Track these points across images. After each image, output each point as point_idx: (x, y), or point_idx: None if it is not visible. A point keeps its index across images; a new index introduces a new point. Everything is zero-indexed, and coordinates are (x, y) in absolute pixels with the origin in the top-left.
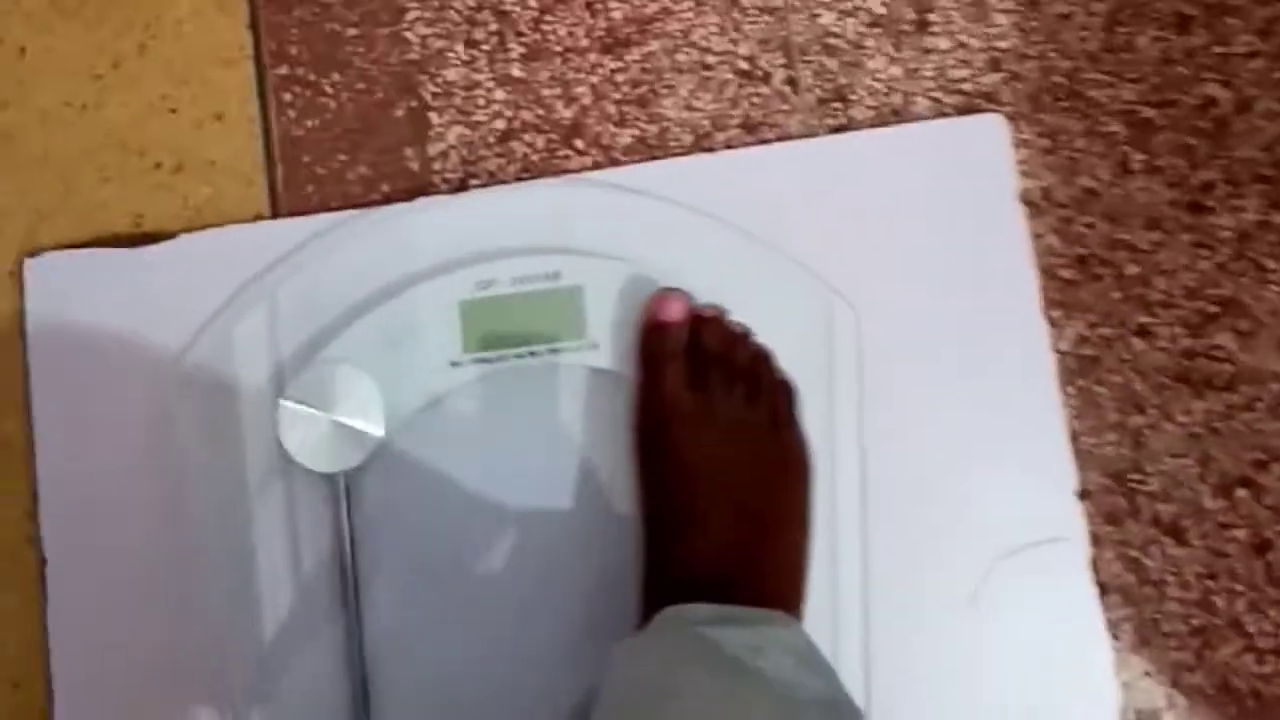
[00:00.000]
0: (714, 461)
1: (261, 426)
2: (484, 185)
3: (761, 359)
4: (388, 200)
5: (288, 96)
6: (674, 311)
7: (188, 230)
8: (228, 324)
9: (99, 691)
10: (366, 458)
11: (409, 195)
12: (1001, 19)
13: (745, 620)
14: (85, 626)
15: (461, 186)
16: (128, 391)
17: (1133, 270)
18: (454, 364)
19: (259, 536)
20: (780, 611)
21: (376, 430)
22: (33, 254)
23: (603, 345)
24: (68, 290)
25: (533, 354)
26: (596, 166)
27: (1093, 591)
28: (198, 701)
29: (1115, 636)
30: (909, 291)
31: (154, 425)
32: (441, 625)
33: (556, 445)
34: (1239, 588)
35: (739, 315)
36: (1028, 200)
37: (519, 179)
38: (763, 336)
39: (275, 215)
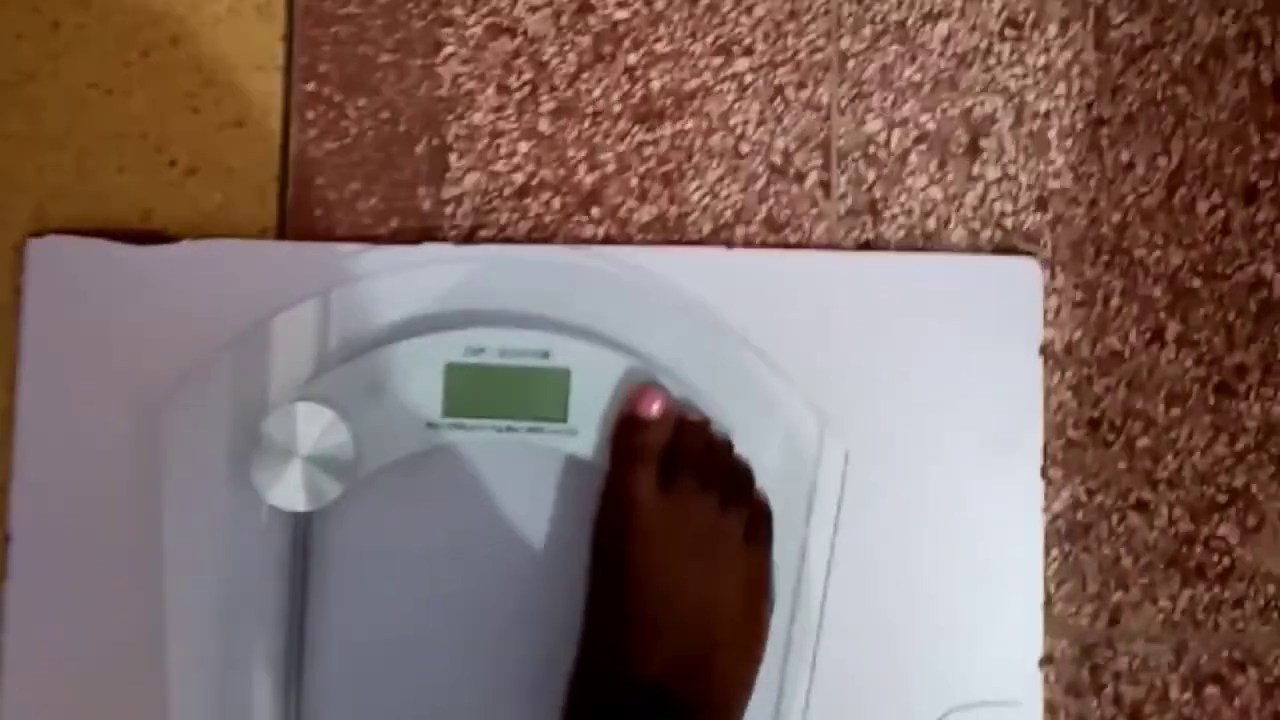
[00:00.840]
0: (673, 569)
1: (238, 450)
2: (492, 238)
3: (740, 473)
4: (394, 237)
5: (311, 115)
6: (653, 408)
7: (193, 234)
8: (220, 342)
9: (47, 676)
10: (328, 503)
11: (416, 235)
12: (1058, 157)
13: None
14: (42, 609)
15: (470, 236)
16: (116, 387)
17: (1144, 442)
18: (431, 425)
19: (222, 556)
20: None
21: (344, 479)
22: (38, 234)
23: (582, 433)
24: (70, 276)
25: (510, 429)
26: (609, 239)
27: None
28: (144, 700)
29: None
30: (905, 427)
31: (138, 425)
32: (381, 677)
33: (519, 525)
34: None
35: (725, 424)
36: (1049, 351)
37: (529, 238)
38: (745, 451)
39: (281, 233)
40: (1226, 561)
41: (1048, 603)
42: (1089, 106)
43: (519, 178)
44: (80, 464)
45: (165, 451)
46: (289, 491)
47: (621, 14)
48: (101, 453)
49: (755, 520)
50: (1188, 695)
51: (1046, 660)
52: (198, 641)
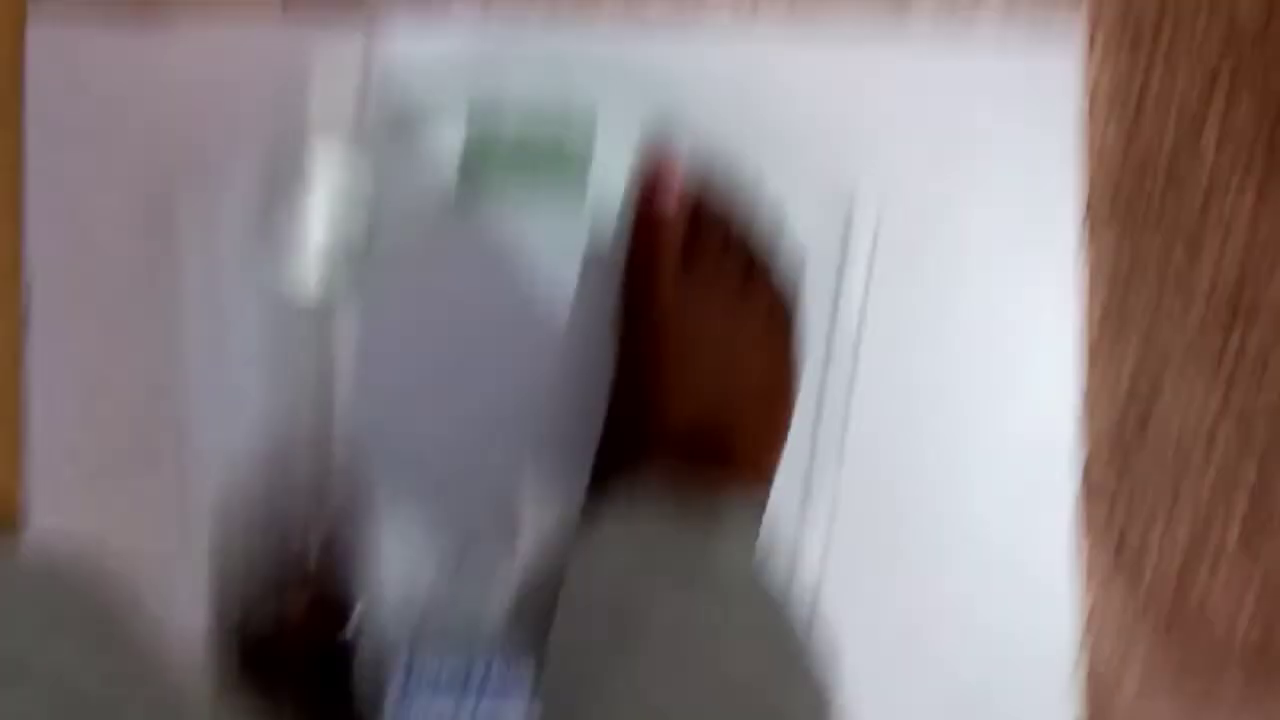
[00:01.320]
0: (699, 334)
1: (253, 230)
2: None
3: (765, 244)
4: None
5: None
6: (672, 174)
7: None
8: (228, 125)
9: (74, 429)
10: (350, 280)
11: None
12: None
13: (703, 522)
14: (64, 363)
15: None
16: (125, 171)
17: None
18: (449, 195)
19: (241, 340)
20: (742, 500)
21: (362, 256)
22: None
23: (605, 198)
24: (70, 67)
25: (530, 199)
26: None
27: (1077, 502)
28: (164, 454)
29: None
30: (940, 189)
31: (151, 198)
32: (409, 451)
33: (542, 294)
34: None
35: (753, 191)
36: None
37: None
38: (775, 212)
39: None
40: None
41: (1088, 347)
42: None
43: None
44: (92, 252)
45: (181, 232)
46: (305, 273)
47: None
48: (114, 235)
49: (784, 284)
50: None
51: (1085, 406)
52: (219, 423)
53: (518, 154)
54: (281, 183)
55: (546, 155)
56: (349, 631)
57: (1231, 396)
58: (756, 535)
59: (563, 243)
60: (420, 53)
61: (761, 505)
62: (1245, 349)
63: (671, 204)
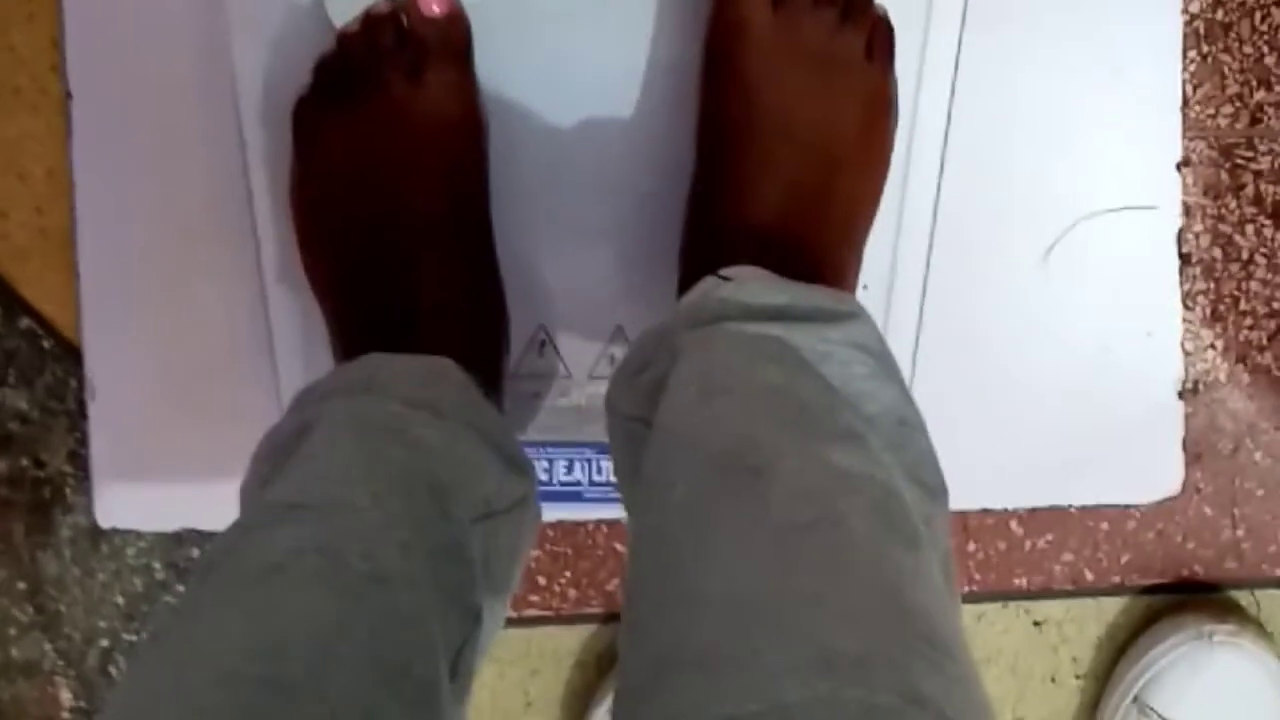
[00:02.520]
0: (788, 91)
1: None
2: None
3: None
4: None
5: None
6: None
7: None
8: None
9: (121, 224)
10: None
11: None
12: None
13: (810, 314)
14: (108, 164)
15: None
16: None
17: None
18: None
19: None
20: (849, 295)
21: None
22: None
23: None
24: None
25: None
26: None
27: (1174, 261)
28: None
29: (1189, 306)
30: None
31: None
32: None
33: (628, 50)
34: None
35: None
36: None
37: None
38: None
39: None
40: None
41: (1185, 104)
42: None
43: None
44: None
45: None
46: None
47: None
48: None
49: (875, 35)
50: None
51: (1184, 163)
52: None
53: None
54: None
55: None
56: None
57: None
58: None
59: None
60: None
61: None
62: None
63: None
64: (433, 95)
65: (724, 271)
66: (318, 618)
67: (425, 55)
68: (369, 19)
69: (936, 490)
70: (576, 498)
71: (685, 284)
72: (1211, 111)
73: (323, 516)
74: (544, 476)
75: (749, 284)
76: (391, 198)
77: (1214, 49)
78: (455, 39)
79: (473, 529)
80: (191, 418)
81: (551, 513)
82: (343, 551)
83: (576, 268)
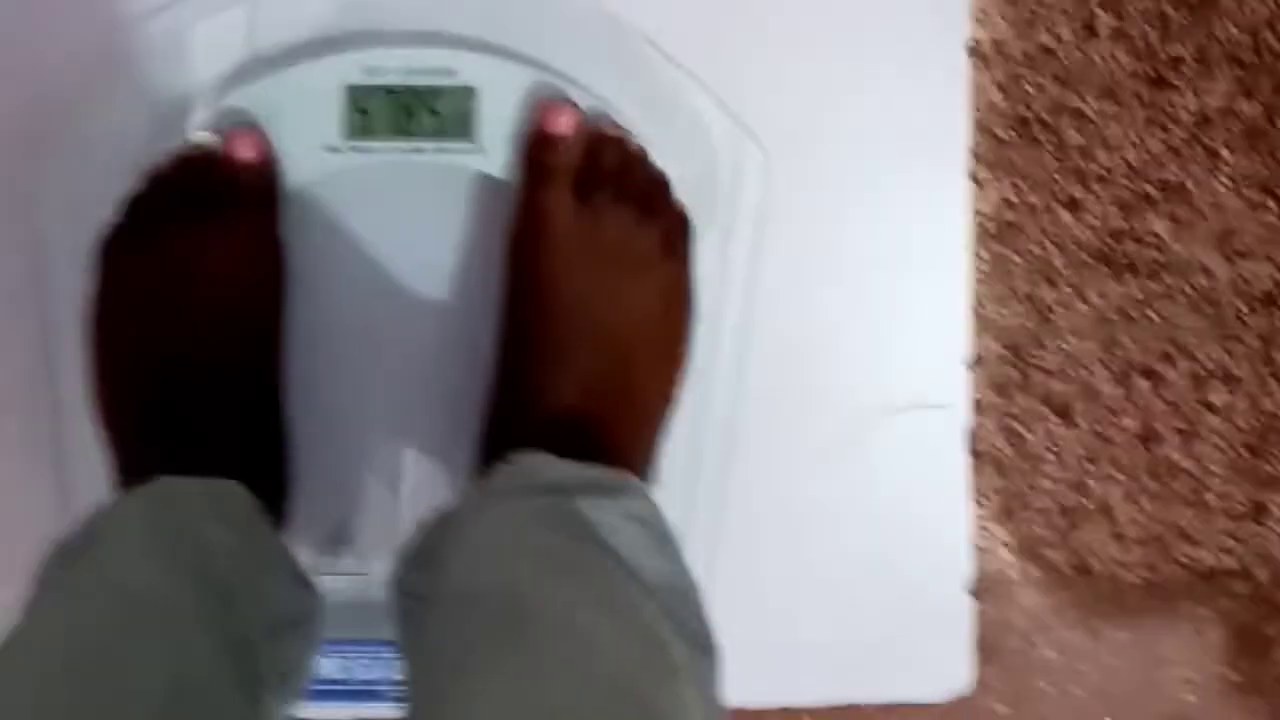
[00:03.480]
0: (589, 286)
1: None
2: None
3: (659, 184)
4: None
5: None
6: (563, 122)
7: None
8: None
9: None
10: None
11: None
12: None
13: (586, 487)
14: None
15: None
16: None
17: (1076, 140)
18: (331, 149)
19: None
20: (632, 475)
21: None
22: None
23: (491, 151)
24: None
25: (417, 150)
26: None
27: (965, 457)
28: None
29: (980, 504)
30: (827, 130)
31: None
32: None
33: (430, 249)
34: (1118, 475)
35: (639, 135)
36: (977, 50)
37: None
38: (661, 161)
39: None
40: (1158, 256)
41: (976, 304)
42: None
43: None
44: None
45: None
46: None
47: None
48: None
49: (674, 230)
50: (1118, 390)
51: (975, 361)
52: None
53: (402, 102)
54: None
55: (432, 101)
56: None
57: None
58: (652, 515)
59: (452, 191)
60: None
61: (648, 481)
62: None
63: (567, 126)
64: (234, 240)
65: (511, 457)
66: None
67: (231, 200)
68: (179, 159)
69: (706, 645)
70: (376, 696)
71: (483, 470)
72: (1003, 309)
73: (118, 598)
74: (342, 675)
75: (529, 463)
76: (181, 336)
77: (1005, 248)
78: (263, 187)
79: (263, 637)
80: None
81: (350, 711)
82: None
83: (376, 464)
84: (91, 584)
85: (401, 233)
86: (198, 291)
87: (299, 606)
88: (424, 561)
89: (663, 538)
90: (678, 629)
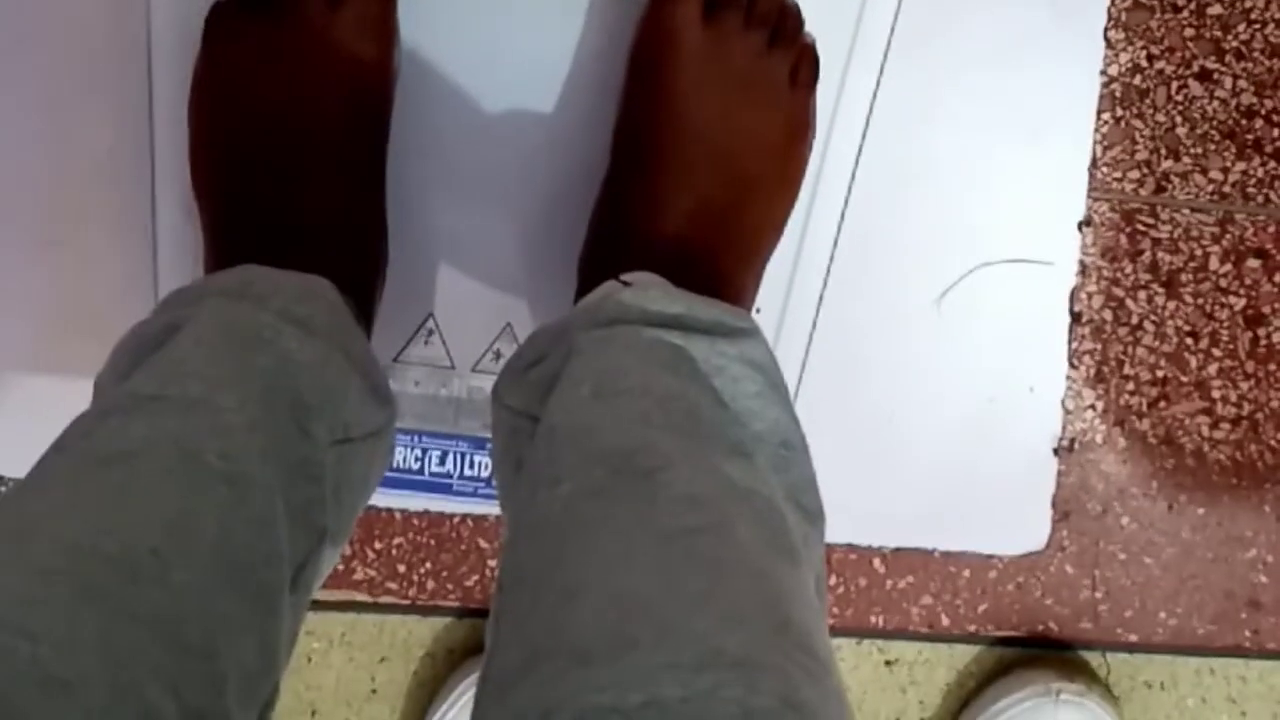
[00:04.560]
0: (711, 108)
1: None
2: None
3: (789, 13)
4: None
5: None
6: None
7: None
8: None
9: None
10: None
11: None
12: None
13: (706, 326)
14: None
15: None
16: None
17: (1216, 10)
18: None
19: None
20: (746, 314)
21: None
22: None
23: None
24: None
25: None
26: None
27: (1065, 318)
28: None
29: (1074, 365)
30: None
31: None
32: (403, 212)
33: (548, 53)
34: (1217, 353)
35: None
36: None
37: None
38: None
39: None
40: None
41: (1093, 165)
42: None
43: None
44: None
45: None
46: None
47: None
48: None
49: (801, 62)
50: (1228, 267)
51: (1085, 222)
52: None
53: None
54: None
55: None
56: None
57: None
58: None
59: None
60: None
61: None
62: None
63: None
64: (349, 25)
65: (625, 277)
66: (168, 506)
67: None
68: None
69: (815, 515)
70: (446, 490)
71: (584, 288)
72: (1118, 175)
73: (183, 411)
74: (415, 465)
75: (649, 290)
76: (290, 116)
77: (1128, 113)
78: None
79: (329, 451)
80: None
81: (419, 502)
82: (200, 448)
83: (472, 259)
84: (154, 406)
85: (519, 37)
86: (308, 72)
87: (372, 421)
88: (535, 380)
89: (777, 386)
90: (790, 495)
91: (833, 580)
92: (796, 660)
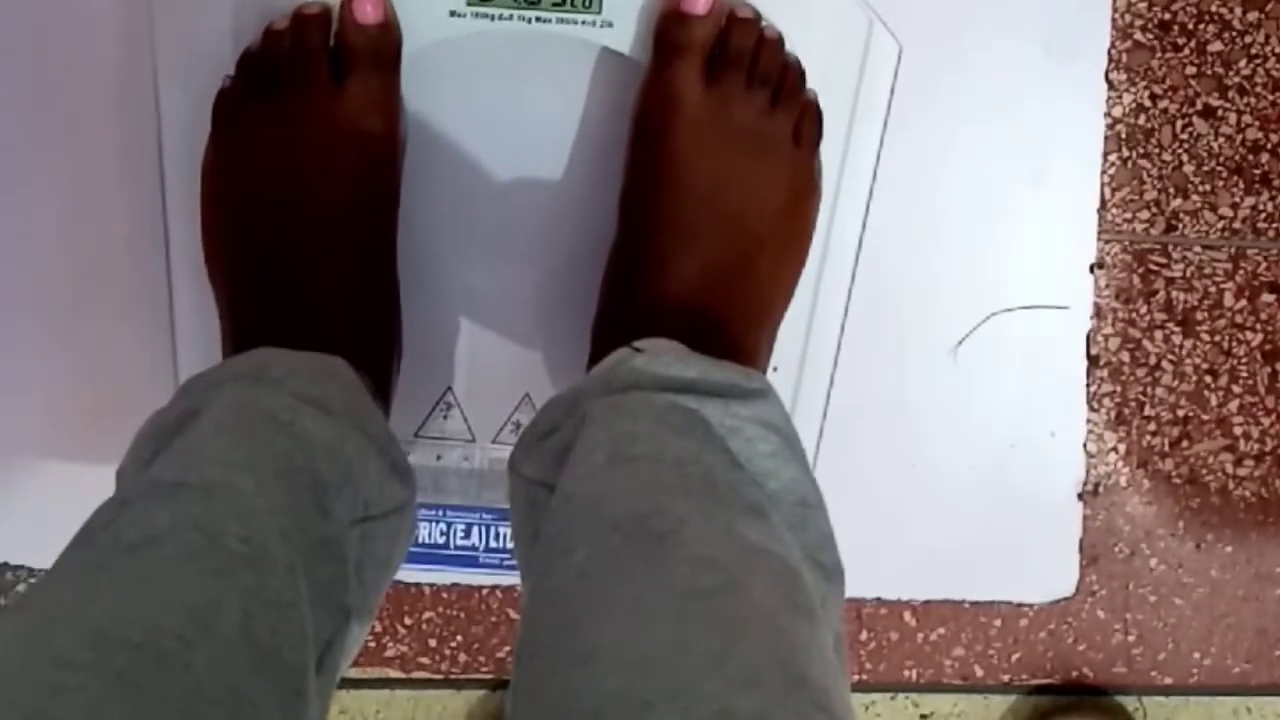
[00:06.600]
0: (715, 169)
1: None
2: None
3: (791, 71)
4: None
5: None
6: (699, 1)
7: None
8: None
9: None
10: None
11: None
12: None
13: (719, 389)
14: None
15: None
16: None
17: (1216, 47)
18: (453, 14)
19: None
20: (759, 374)
21: None
22: None
23: (618, 24)
24: None
25: (540, 19)
26: None
27: (1082, 362)
28: None
29: (1094, 408)
30: (962, 25)
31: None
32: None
33: (550, 122)
34: (1236, 389)
35: (773, 19)
36: None
37: None
38: (793, 47)
39: None
40: None
41: (1102, 207)
42: None
43: None
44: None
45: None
46: None
47: None
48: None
49: (804, 120)
50: (1243, 303)
51: (1098, 265)
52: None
53: None
54: None
55: None
56: None
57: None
58: (776, 418)
59: (575, 65)
60: None
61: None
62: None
63: (703, 5)
64: (354, 101)
65: (637, 343)
66: (192, 592)
67: (352, 61)
68: (298, 17)
69: (833, 572)
70: (472, 562)
71: (597, 354)
72: (1129, 216)
73: (204, 496)
74: (441, 539)
75: (661, 355)
76: (298, 198)
77: (1134, 154)
78: (385, 49)
79: (350, 529)
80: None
81: (446, 576)
82: (222, 531)
83: (488, 332)
84: (175, 492)
85: (522, 104)
86: (315, 153)
87: (393, 498)
88: (550, 450)
89: (792, 444)
90: (807, 553)
91: (864, 635)
92: (812, 718)
